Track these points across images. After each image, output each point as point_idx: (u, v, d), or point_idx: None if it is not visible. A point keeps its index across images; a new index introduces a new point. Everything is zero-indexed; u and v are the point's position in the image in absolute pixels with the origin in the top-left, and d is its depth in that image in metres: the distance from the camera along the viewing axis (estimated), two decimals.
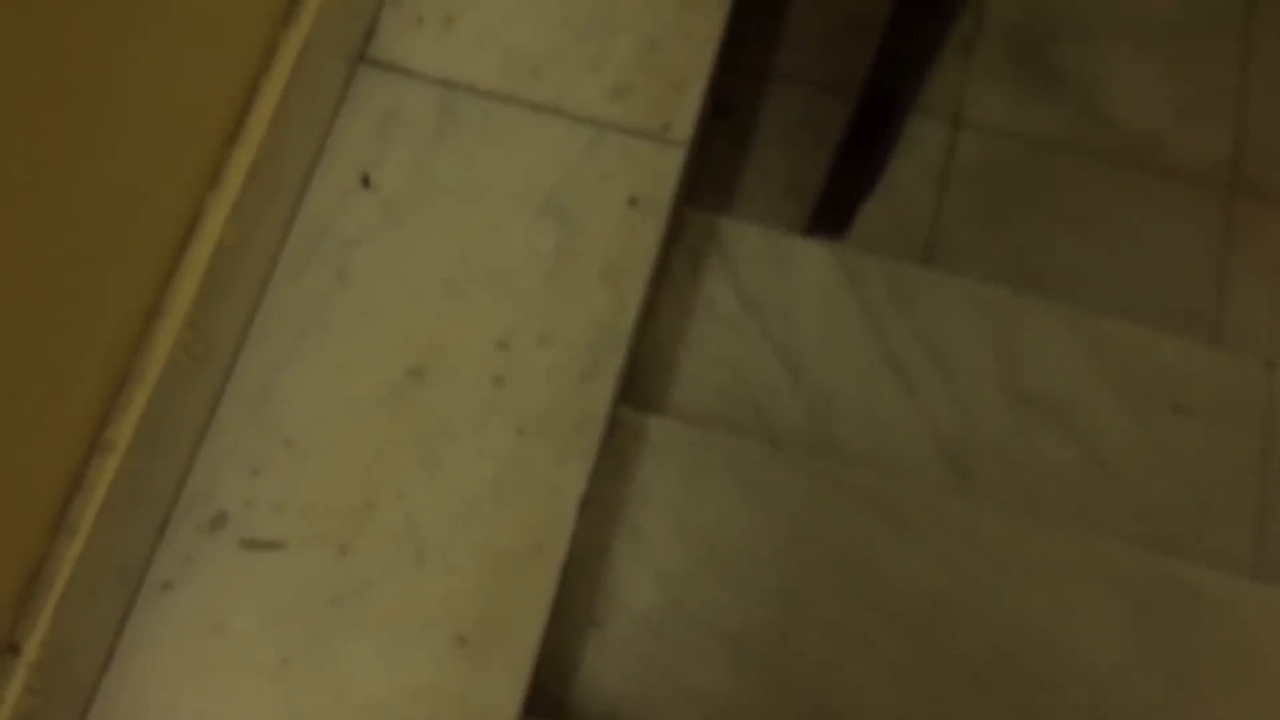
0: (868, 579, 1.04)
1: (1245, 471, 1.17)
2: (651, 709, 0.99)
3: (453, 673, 0.83)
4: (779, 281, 1.24)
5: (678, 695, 0.99)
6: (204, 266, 0.82)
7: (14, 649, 0.71)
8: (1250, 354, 1.23)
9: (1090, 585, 1.05)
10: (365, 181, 0.96)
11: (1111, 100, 1.46)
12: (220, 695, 0.82)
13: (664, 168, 0.97)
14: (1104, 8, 1.50)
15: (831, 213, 1.29)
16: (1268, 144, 1.41)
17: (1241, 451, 1.17)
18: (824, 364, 1.21)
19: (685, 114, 0.99)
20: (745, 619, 1.02)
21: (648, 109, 0.99)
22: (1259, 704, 1.01)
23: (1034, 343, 1.23)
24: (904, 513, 1.06)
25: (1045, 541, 1.07)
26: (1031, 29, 1.50)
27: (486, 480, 0.88)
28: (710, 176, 1.37)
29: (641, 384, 1.14)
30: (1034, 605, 1.04)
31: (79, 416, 0.75)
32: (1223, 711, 1.00)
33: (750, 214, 1.39)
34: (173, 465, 0.84)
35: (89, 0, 0.64)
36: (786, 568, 1.04)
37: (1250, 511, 1.16)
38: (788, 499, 1.06)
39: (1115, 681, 1.01)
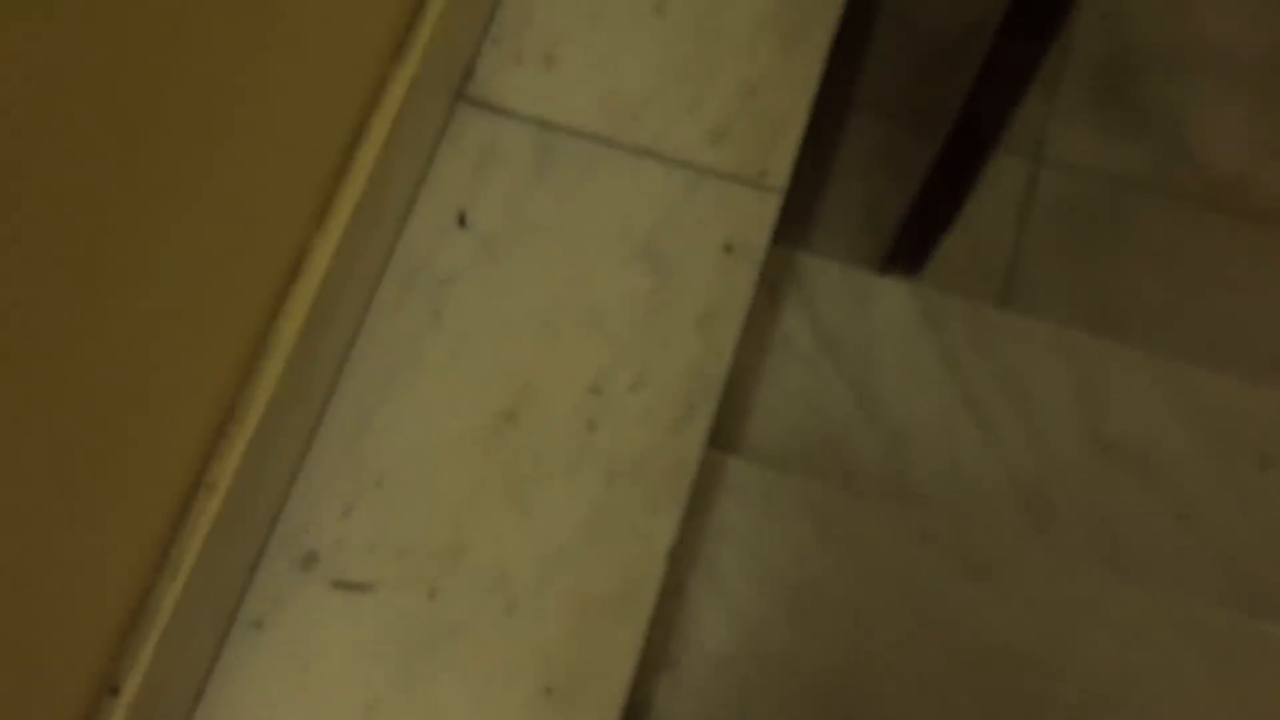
0: (946, 629, 1.03)
1: None
2: None
3: None
4: (857, 319, 1.23)
5: None
6: (309, 305, 0.82)
7: (114, 690, 0.72)
8: None
9: (1175, 644, 1.03)
10: (462, 220, 0.96)
11: (1197, 139, 1.44)
12: None
13: (760, 214, 0.96)
14: (1190, 44, 1.48)
15: (911, 248, 1.28)
16: None
17: None
18: (901, 403, 1.19)
19: (782, 160, 0.98)
20: (821, 665, 1.00)
21: (745, 154, 0.98)
22: None
23: (1116, 389, 1.21)
24: (985, 562, 1.04)
25: (1128, 597, 1.05)
26: (1116, 65, 1.48)
27: (577, 526, 0.88)
28: (788, 208, 1.36)
29: (718, 418, 1.13)
30: (1117, 663, 1.02)
31: (183, 456, 0.75)
32: None
33: (828, 247, 1.38)
34: (268, 504, 0.84)
35: (206, 38, 0.64)
36: (864, 614, 1.02)
37: None
38: (866, 545, 1.05)
39: None
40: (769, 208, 0.97)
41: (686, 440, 0.90)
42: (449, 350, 0.92)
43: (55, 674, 0.68)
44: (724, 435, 1.11)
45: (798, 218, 1.36)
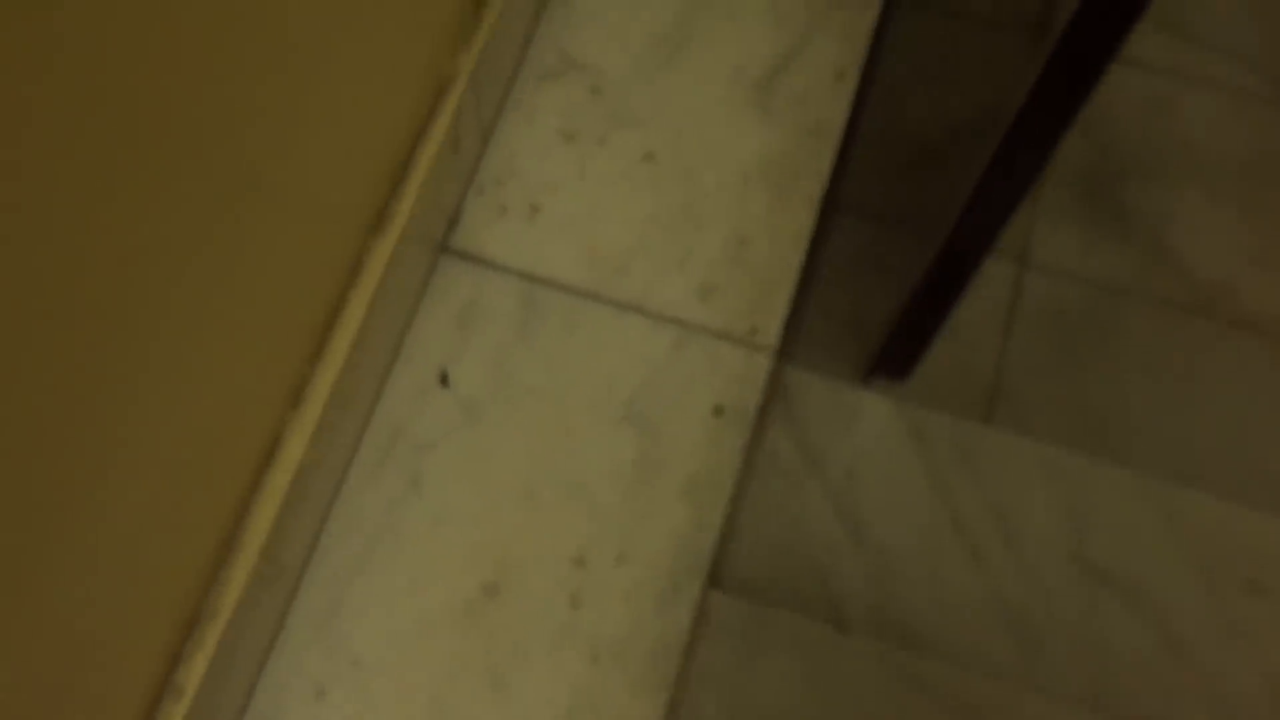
0: None
1: None
2: None
3: None
4: (842, 436, 1.21)
5: None
6: (283, 490, 0.79)
7: None
8: None
9: None
10: (444, 380, 0.93)
11: (1182, 246, 1.43)
12: None
13: (750, 375, 0.94)
14: (1176, 149, 1.47)
15: (897, 356, 1.27)
16: None
17: None
18: (887, 524, 1.18)
19: (773, 317, 0.96)
20: None
21: (735, 311, 0.96)
22: None
23: (1103, 511, 1.19)
24: (974, 709, 1.02)
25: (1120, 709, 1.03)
26: (1101, 168, 1.47)
27: (558, 711, 0.85)
28: None
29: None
30: None
31: (150, 662, 0.72)
32: None
33: (812, 355, 1.36)
34: (237, 697, 0.81)
35: (180, 225, 0.61)
36: None
37: None
38: (854, 689, 1.03)
39: None
40: (760, 368, 0.94)
41: (672, 620, 0.88)
42: (428, 520, 0.90)
43: None
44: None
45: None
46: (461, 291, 0.96)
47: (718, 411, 0.93)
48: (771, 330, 0.95)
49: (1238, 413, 1.34)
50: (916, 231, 1.11)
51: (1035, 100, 0.76)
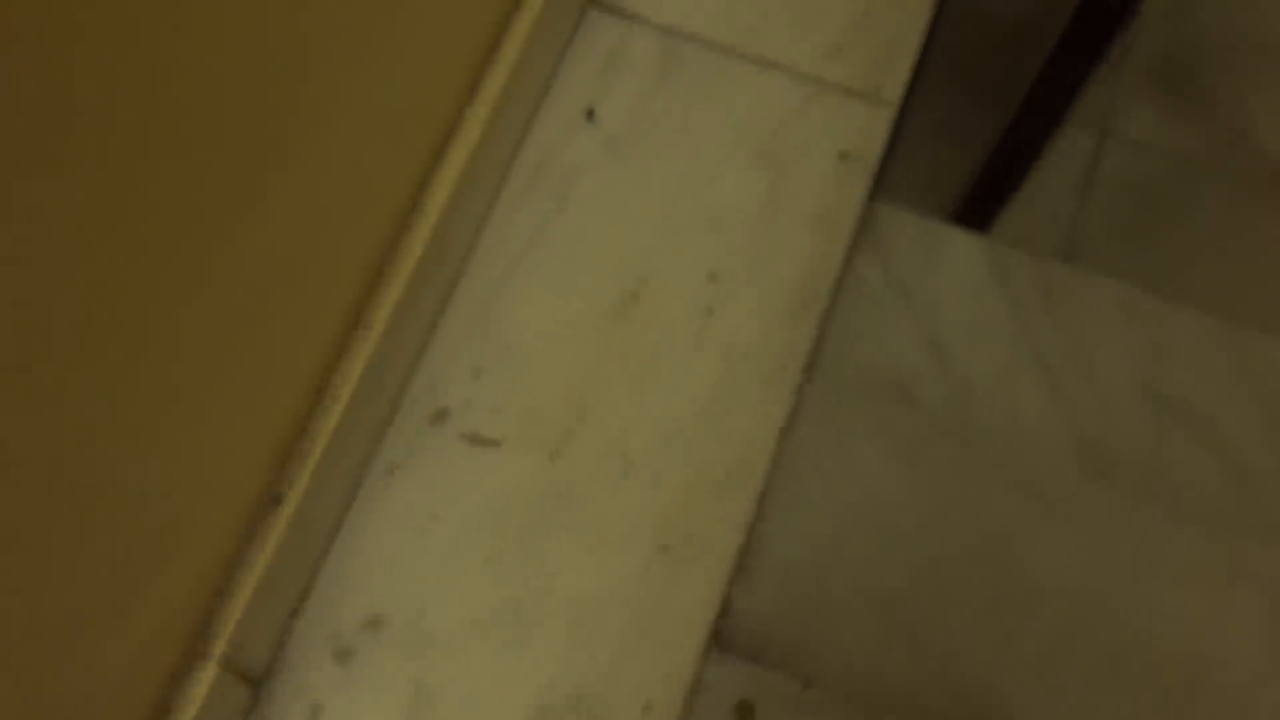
0: (1011, 559, 1.06)
1: None
2: (791, 673, 1.01)
3: (656, 578, 0.87)
4: (928, 269, 1.26)
5: (820, 646, 1.01)
6: (456, 176, 0.87)
7: (277, 500, 0.76)
8: None
9: (1228, 583, 1.06)
10: (590, 115, 1.01)
11: (1258, 127, 1.48)
12: (438, 575, 0.86)
13: (874, 126, 1.01)
14: (1255, 39, 1.52)
15: (978, 210, 1.32)
16: None
17: None
18: (968, 353, 1.22)
19: (896, 76, 1.03)
20: (891, 588, 1.04)
21: (860, 70, 1.03)
22: None
23: (1177, 349, 1.24)
24: (1049, 499, 1.08)
25: (1184, 539, 1.08)
26: (1182, 54, 1.52)
27: (694, 404, 0.92)
28: None
29: None
30: (1175, 603, 1.05)
31: (346, 298, 0.79)
32: None
33: (899, 194, 1.42)
34: (408, 357, 0.89)
35: None
36: (931, 536, 1.06)
37: None
38: (937, 472, 1.09)
39: (1257, 683, 1.02)
40: (883, 120, 1.01)
41: (799, 334, 0.95)
42: (574, 235, 0.97)
43: (227, 481, 0.72)
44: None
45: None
46: (606, 41, 1.04)
47: (843, 156, 1.00)
48: (895, 88, 1.02)
49: None
50: (1000, 104, 1.17)
51: None
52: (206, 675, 0.72)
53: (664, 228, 0.98)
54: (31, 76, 0.44)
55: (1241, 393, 1.23)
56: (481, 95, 0.89)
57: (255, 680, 0.80)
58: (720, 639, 1.00)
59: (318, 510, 0.80)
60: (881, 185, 1.42)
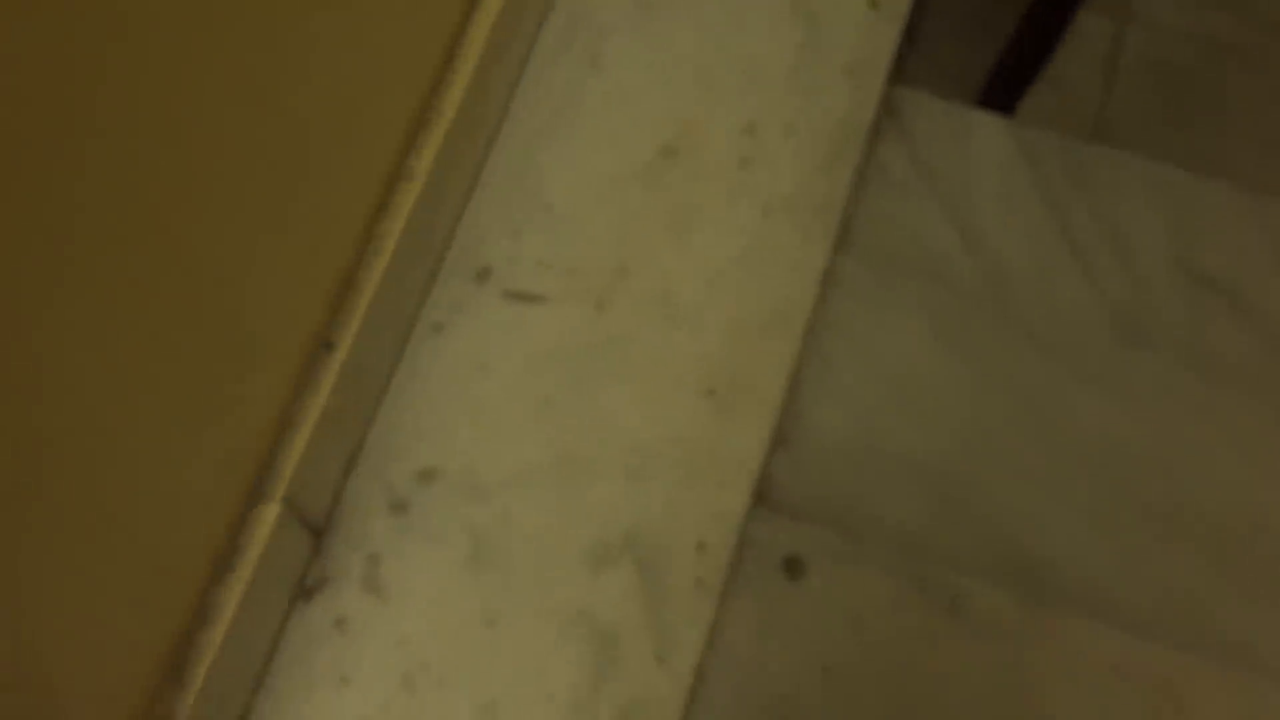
0: (1051, 421, 1.06)
1: None
2: (838, 530, 1.02)
3: (704, 421, 0.88)
4: (955, 152, 1.25)
5: (864, 517, 1.02)
6: (487, 29, 0.86)
7: (329, 345, 0.77)
8: None
9: (1272, 441, 1.06)
10: None
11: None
12: (487, 427, 0.87)
13: None
14: None
15: (1000, 93, 1.31)
16: None
17: None
18: (999, 234, 1.22)
19: None
20: (929, 450, 1.04)
21: None
22: None
23: (1208, 223, 1.23)
24: (1089, 365, 1.08)
25: (1226, 399, 1.08)
26: None
27: (735, 252, 0.92)
28: None
29: None
30: (1219, 460, 1.05)
31: (388, 149, 0.80)
32: None
33: (921, 77, 1.40)
34: (451, 212, 0.89)
35: None
36: (972, 406, 1.06)
37: None
38: (972, 342, 1.08)
39: None
40: None
41: (836, 179, 0.95)
42: (608, 94, 0.97)
43: (282, 325, 0.73)
44: None
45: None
46: None
47: (873, 4, 0.99)
48: None
49: None
50: None
51: None
52: (270, 513, 0.73)
53: (699, 82, 0.97)
54: None
55: (1275, 263, 1.22)
56: None
57: (316, 529, 0.81)
58: (765, 498, 1.01)
59: (368, 360, 0.81)
60: (905, 74, 1.40)
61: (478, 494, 0.85)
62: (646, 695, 0.81)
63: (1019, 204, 1.23)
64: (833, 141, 0.96)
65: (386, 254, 0.79)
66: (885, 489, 1.04)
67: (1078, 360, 1.09)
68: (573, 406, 0.88)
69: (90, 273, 0.52)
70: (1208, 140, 1.39)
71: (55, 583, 0.57)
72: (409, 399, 0.88)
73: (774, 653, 0.92)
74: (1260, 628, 1.00)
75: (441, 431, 0.87)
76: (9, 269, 0.47)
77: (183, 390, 0.63)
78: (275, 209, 0.68)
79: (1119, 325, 1.20)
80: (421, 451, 0.87)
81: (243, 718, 0.78)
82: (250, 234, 0.66)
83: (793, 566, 0.96)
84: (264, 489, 0.74)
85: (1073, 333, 1.18)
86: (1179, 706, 0.95)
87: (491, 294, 0.91)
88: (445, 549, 0.84)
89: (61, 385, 0.53)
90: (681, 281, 0.92)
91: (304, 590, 0.81)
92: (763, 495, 0.99)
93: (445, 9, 0.83)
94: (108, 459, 0.58)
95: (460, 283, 0.91)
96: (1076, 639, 0.95)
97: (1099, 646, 0.97)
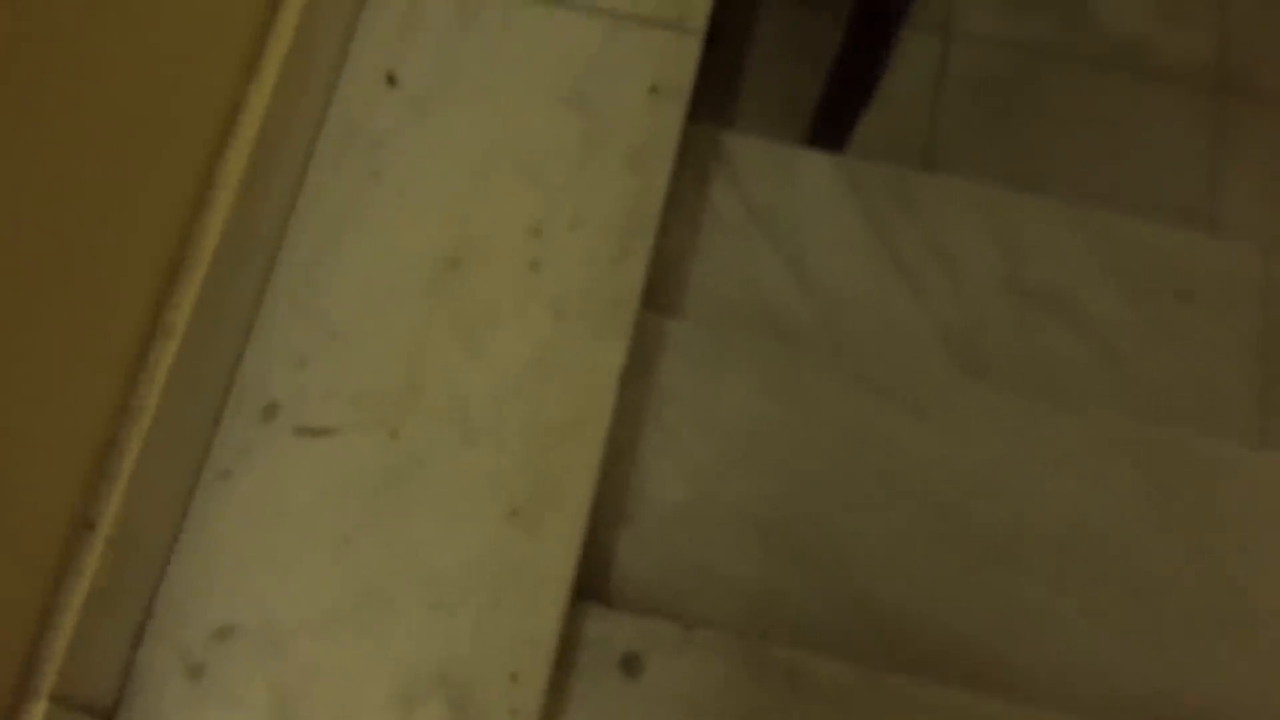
0: (889, 462, 1.07)
1: (1247, 351, 1.20)
2: (687, 599, 1.01)
3: (509, 544, 0.85)
4: (784, 191, 1.25)
5: (710, 583, 1.01)
6: (247, 156, 0.83)
7: (89, 524, 0.73)
8: (1245, 241, 1.26)
9: (1101, 458, 1.08)
10: (390, 80, 0.97)
11: (1098, 6, 1.48)
12: (285, 574, 0.84)
13: (682, 54, 0.99)
14: None
15: (829, 128, 1.31)
16: (1250, 42, 1.44)
17: (1243, 334, 1.20)
18: (832, 269, 1.22)
19: (699, 4, 1.00)
20: (771, 507, 1.04)
21: (661, 1, 1.01)
22: (1270, 564, 1.04)
23: (1036, 239, 1.25)
24: (920, 399, 1.08)
25: (1056, 421, 1.10)
26: None
27: (528, 360, 0.90)
28: (711, 99, 1.38)
29: (656, 297, 1.16)
30: (1052, 480, 1.07)
31: (140, 301, 0.76)
32: (1236, 568, 1.03)
33: (750, 123, 1.41)
34: (225, 355, 0.86)
35: None
36: (809, 456, 1.06)
37: (1253, 390, 1.19)
38: (806, 392, 1.09)
39: (1132, 549, 1.04)
40: (690, 49, 0.99)
41: (628, 273, 0.93)
42: (390, 206, 0.94)
43: (30, 508, 0.69)
44: (664, 308, 1.14)
45: (720, 106, 1.39)
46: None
47: (654, 89, 0.98)
48: (699, 14, 1.00)
49: (1154, 153, 1.41)
50: (840, 13, 1.15)
51: None
52: (38, 711, 0.70)
53: (480, 185, 0.95)
54: None
55: (1101, 273, 1.24)
56: (264, 69, 0.85)
57: (104, 713, 0.77)
58: (603, 593, 1.00)
59: (142, 526, 0.78)
60: (733, 116, 1.40)
61: (278, 647, 0.82)
62: None
63: (850, 238, 1.23)
64: (622, 232, 0.94)
65: (148, 415, 0.76)
66: (727, 554, 1.03)
67: (911, 395, 1.09)
68: (372, 542, 0.85)
69: None
70: (1034, 153, 1.41)
71: None
72: (200, 553, 0.85)
73: None
74: (1106, 634, 1.01)
75: (237, 584, 0.84)
76: None
77: None
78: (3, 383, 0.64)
79: (953, 349, 1.20)
80: (216, 608, 0.83)
81: None
82: None
83: (630, 664, 0.95)
84: (32, 685, 0.70)
85: (907, 363, 1.18)
86: None
87: (280, 431, 0.88)
88: (245, 712, 0.80)
89: None
90: (475, 396, 0.89)
91: None
92: (600, 588, 0.98)
93: (193, 141, 0.80)
94: None
95: (246, 423, 0.88)
96: (919, 699, 0.95)
97: (941, 706, 0.97)
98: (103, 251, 0.71)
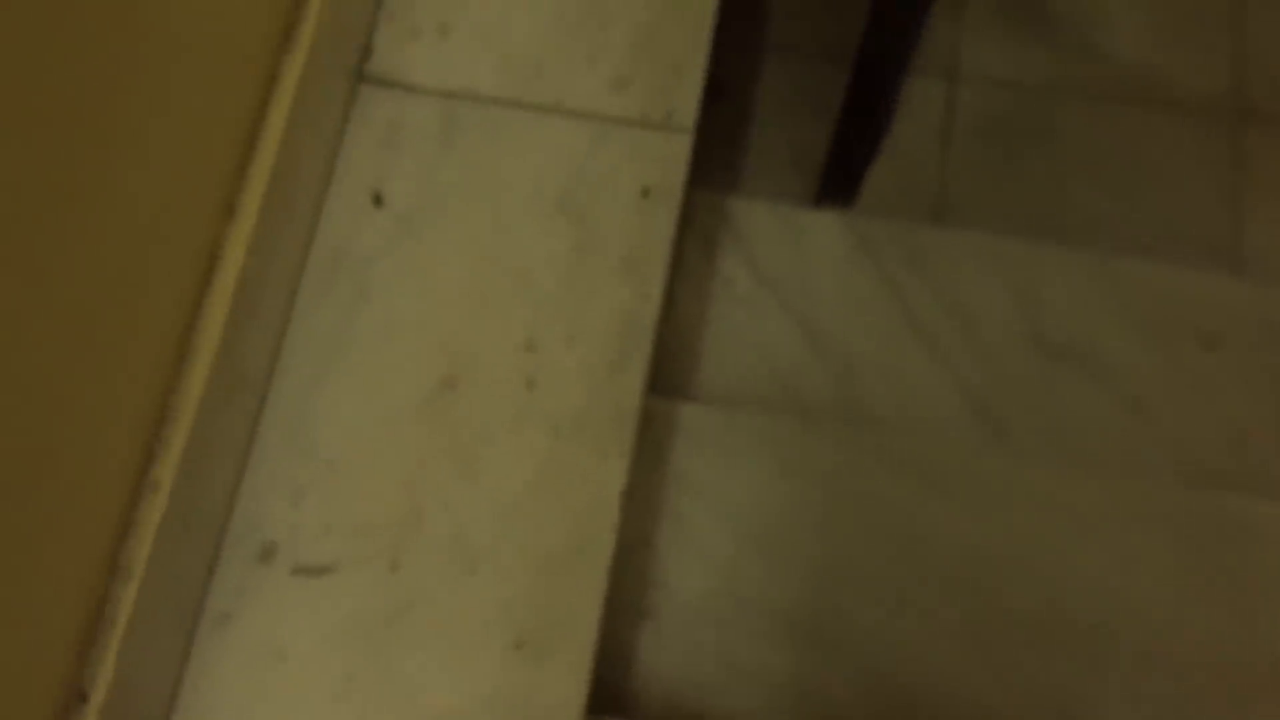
0: (912, 543, 1.04)
1: (1279, 397, 1.16)
2: (711, 694, 0.99)
3: (515, 676, 0.84)
4: (793, 255, 1.23)
5: (735, 677, 0.99)
6: (229, 299, 0.82)
7: (82, 696, 0.72)
8: (1272, 280, 1.22)
9: (1136, 528, 1.05)
10: (377, 200, 0.96)
11: (1106, 38, 1.45)
12: (288, 718, 0.83)
13: (672, 155, 0.97)
14: None
15: (839, 182, 1.29)
16: (1267, 69, 1.40)
17: (1273, 378, 1.17)
18: (846, 332, 1.20)
19: (687, 99, 0.99)
20: (795, 595, 1.02)
21: (649, 98, 0.99)
22: None
23: (1053, 291, 1.22)
24: (942, 474, 1.06)
25: (1086, 489, 1.07)
26: None
27: (528, 483, 0.89)
28: (715, 158, 1.37)
29: (668, 371, 1.14)
30: (1083, 554, 1.04)
31: (123, 458, 0.75)
32: None
33: (758, 192, 1.39)
34: (218, 499, 0.85)
35: (88, 45, 0.64)
36: (830, 540, 1.04)
37: None
38: (824, 471, 1.06)
39: (1171, 622, 1.01)
40: (680, 147, 0.98)
41: (626, 385, 0.92)
42: (381, 328, 0.93)
43: (21, 683, 0.68)
44: (676, 386, 1.12)
45: (725, 164, 1.37)
46: (383, 115, 0.99)
47: (645, 193, 0.96)
48: (688, 111, 0.98)
49: (1174, 187, 1.37)
50: (846, 63, 1.13)
51: None
52: None
53: (472, 302, 0.94)
54: None
55: (1122, 323, 1.21)
56: (243, 207, 0.84)
57: None
58: (626, 693, 0.98)
59: (137, 691, 0.77)
60: (739, 178, 1.38)
61: None
62: None
63: (862, 299, 1.21)
64: (619, 342, 0.93)
65: (137, 577, 0.75)
66: (751, 646, 1.01)
67: (933, 469, 1.07)
68: (377, 681, 0.84)
69: None
70: (1048, 195, 1.38)
71: None
72: (201, 702, 0.83)
73: None
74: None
75: None
76: None
77: None
78: None
79: (974, 412, 1.18)
80: None
81: None
82: None
83: None
84: None
85: (927, 430, 1.15)
86: None
87: (279, 572, 0.86)
88: None
89: None
90: (475, 522, 0.88)
91: None
92: (622, 687, 0.96)
93: (171, 292, 0.79)
94: None
95: (244, 565, 0.87)
96: None
97: None
98: (81, 414, 0.70)
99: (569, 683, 0.84)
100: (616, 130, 0.98)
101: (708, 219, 1.20)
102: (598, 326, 0.93)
